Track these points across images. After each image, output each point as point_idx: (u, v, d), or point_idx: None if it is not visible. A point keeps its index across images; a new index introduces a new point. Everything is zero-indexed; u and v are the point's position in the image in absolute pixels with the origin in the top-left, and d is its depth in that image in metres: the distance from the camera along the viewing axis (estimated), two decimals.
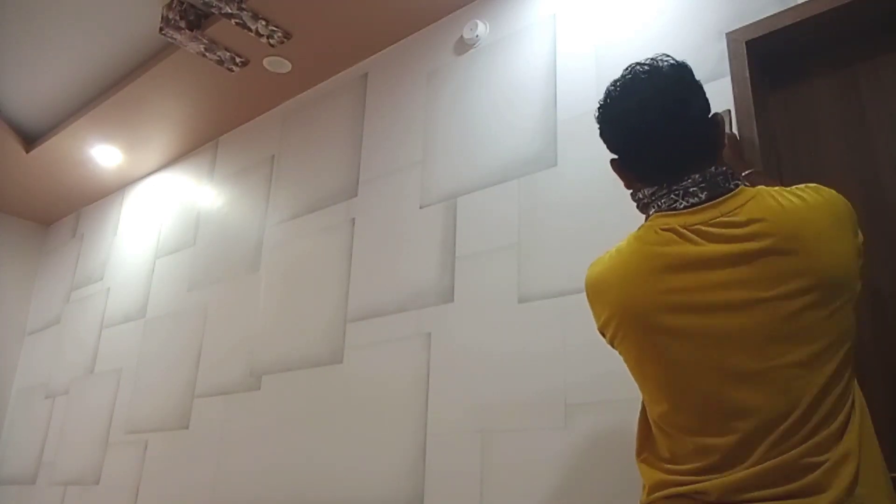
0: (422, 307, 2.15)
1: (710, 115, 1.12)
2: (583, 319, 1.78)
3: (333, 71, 2.84)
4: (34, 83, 3.19)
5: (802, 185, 1.05)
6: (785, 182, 1.67)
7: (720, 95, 1.71)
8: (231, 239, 3.02)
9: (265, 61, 2.76)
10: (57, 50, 2.94)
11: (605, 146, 1.65)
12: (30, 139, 3.60)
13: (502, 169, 2.11)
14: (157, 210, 3.57)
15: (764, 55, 1.73)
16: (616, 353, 1.68)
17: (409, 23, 2.55)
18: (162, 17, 2.55)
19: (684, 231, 1.04)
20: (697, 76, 1.80)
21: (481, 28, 2.34)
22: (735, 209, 1.02)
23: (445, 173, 2.27)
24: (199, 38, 2.58)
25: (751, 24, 1.71)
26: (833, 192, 1.05)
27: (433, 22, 2.54)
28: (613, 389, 1.67)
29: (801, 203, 1.01)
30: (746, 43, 1.70)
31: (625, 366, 1.69)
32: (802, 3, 1.64)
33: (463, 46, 2.40)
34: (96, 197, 4.10)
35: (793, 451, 0.94)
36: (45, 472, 3.58)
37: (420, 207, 2.29)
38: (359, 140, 2.63)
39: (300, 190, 2.79)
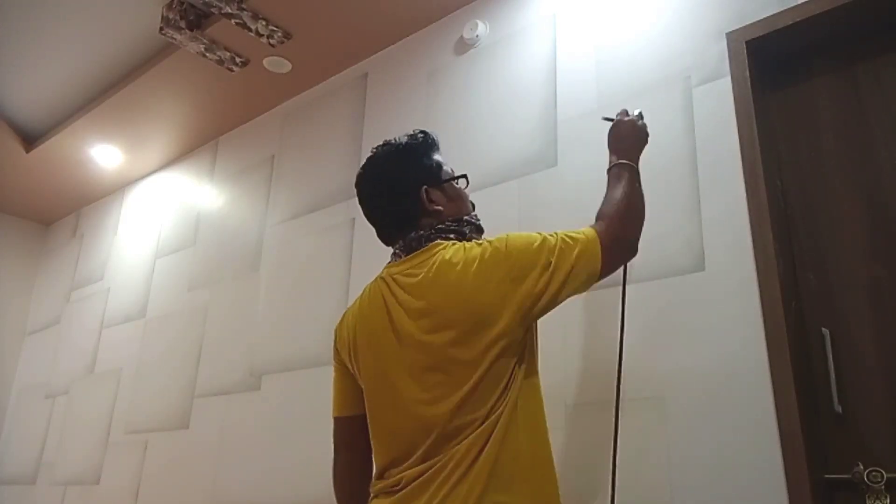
0: None
1: (417, 190, 1.35)
2: (583, 319, 1.78)
3: (333, 71, 2.84)
4: (34, 83, 3.19)
5: (496, 238, 1.27)
6: (786, 183, 1.67)
7: (720, 95, 1.71)
8: (231, 239, 3.02)
9: (265, 61, 2.76)
10: (57, 50, 2.94)
11: (605, 146, 1.66)
12: (30, 139, 3.60)
13: (502, 169, 2.11)
14: (157, 210, 3.57)
15: (764, 55, 1.73)
16: (616, 353, 1.68)
17: (409, 23, 2.55)
18: (162, 17, 2.55)
19: (388, 279, 1.32)
20: (697, 76, 1.81)
21: (481, 28, 2.33)
22: (419, 263, 1.28)
23: None
24: (199, 38, 2.58)
25: (751, 24, 1.71)
26: (510, 241, 1.25)
27: (433, 22, 2.54)
28: (614, 389, 1.67)
29: (462, 257, 1.23)
30: (746, 43, 1.70)
31: (625, 366, 1.69)
32: (802, 3, 1.64)
33: (463, 46, 2.40)
34: (96, 197, 4.10)
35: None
36: (45, 472, 3.57)
37: None
38: (359, 140, 2.63)
39: (300, 190, 2.79)
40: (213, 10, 2.47)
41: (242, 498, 2.48)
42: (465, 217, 1.39)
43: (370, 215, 1.41)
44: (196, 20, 2.54)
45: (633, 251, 1.37)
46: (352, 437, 1.39)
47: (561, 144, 2.00)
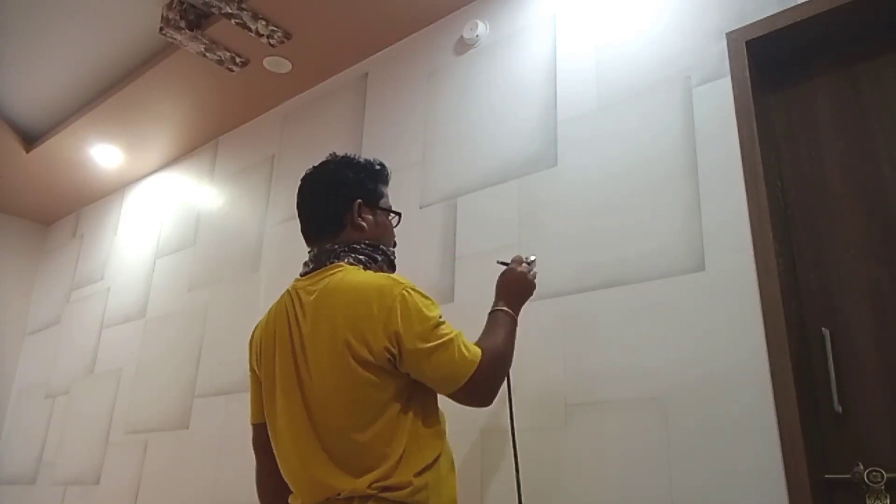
0: None
1: (352, 199, 1.40)
2: (583, 319, 1.78)
3: (333, 71, 2.84)
4: (34, 83, 3.19)
5: (384, 276, 1.31)
6: (786, 183, 1.67)
7: (720, 95, 1.71)
8: (231, 239, 3.02)
9: (265, 61, 2.76)
10: (57, 50, 2.94)
11: (605, 146, 1.65)
12: (30, 139, 3.60)
13: (502, 169, 2.11)
14: (157, 210, 3.57)
15: (764, 55, 1.73)
16: (616, 353, 1.68)
17: (409, 23, 2.55)
18: (162, 17, 2.55)
19: (293, 292, 1.38)
20: (697, 76, 1.81)
21: (481, 28, 2.33)
22: (317, 280, 1.33)
23: (445, 173, 2.27)
24: (199, 38, 2.58)
25: (751, 24, 1.71)
26: (390, 283, 1.27)
27: (433, 22, 2.54)
28: (613, 389, 1.67)
29: (351, 283, 1.27)
30: (746, 43, 1.70)
31: (625, 366, 1.70)
32: (802, 3, 1.64)
33: (463, 46, 2.40)
34: (96, 197, 4.10)
35: None
36: (45, 472, 3.57)
37: (420, 207, 2.29)
38: (359, 140, 2.63)
39: None
40: (213, 10, 2.47)
41: (242, 498, 2.48)
42: (382, 246, 1.42)
43: (300, 207, 1.48)
44: (196, 20, 2.54)
45: (490, 396, 1.34)
46: (267, 442, 1.45)
47: (561, 144, 2.00)
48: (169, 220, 3.46)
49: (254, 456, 1.48)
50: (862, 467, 1.39)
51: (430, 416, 1.29)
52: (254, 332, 1.49)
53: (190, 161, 3.50)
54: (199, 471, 2.68)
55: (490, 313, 1.46)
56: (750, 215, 1.57)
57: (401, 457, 1.20)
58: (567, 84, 2.05)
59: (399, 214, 1.50)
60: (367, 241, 1.39)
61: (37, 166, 3.72)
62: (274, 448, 1.38)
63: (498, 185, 2.10)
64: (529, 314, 1.88)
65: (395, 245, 1.49)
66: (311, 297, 1.31)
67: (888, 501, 1.35)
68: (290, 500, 1.34)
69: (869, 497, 1.37)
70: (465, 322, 2.03)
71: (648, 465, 1.56)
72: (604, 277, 1.78)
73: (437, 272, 2.15)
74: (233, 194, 3.13)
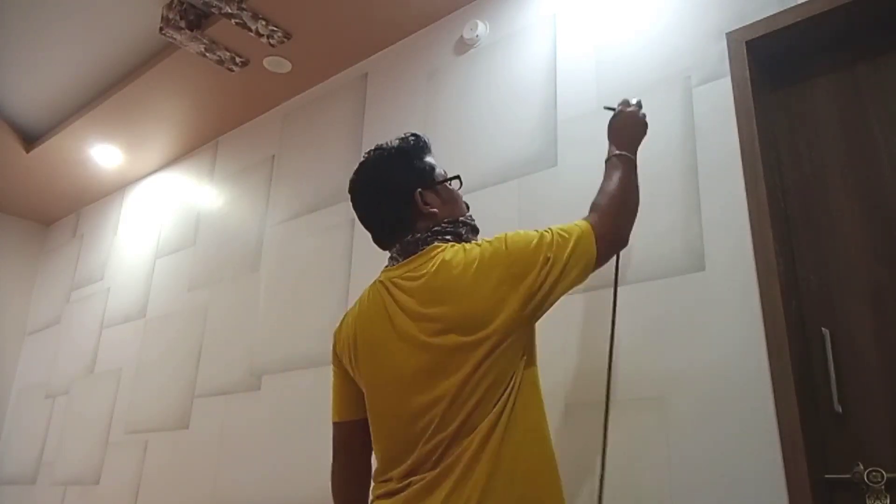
0: None
1: (411, 193, 1.35)
2: (583, 319, 1.78)
3: (333, 71, 2.84)
4: (34, 83, 3.19)
5: (494, 238, 1.27)
6: (786, 183, 1.67)
7: (720, 95, 1.71)
8: (231, 239, 3.02)
9: (265, 61, 2.76)
10: (57, 50, 2.94)
11: (605, 146, 1.65)
12: (30, 139, 3.60)
13: (502, 169, 2.11)
14: (157, 210, 3.57)
15: (764, 55, 1.73)
16: (617, 353, 1.68)
17: (409, 23, 2.55)
18: (162, 17, 2.55)
19: (387, 283, 1.32)
20: (697, 76, 1.81)
21: (481, 28, 2.33)
22: (418, 266, 1.27)
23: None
24: (199, 38, 2.58)
25: (751, 24, 1.71)
26: (509, 240, 1.24)
27: (433, 22, 2.54)
28: (613, 389, 1.67)
29: (462, 259, 1.23)
30: (746, 43, 1.70)
31: (624, 366, 1.70)
32: (802, 3, 1.64)
33: (463, 46, 2.40)
34: (96, 197, 4.10)
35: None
36: (45, 472, 3.57)
37: None
38: (359, 140, 2.63)
39: (300, 190, 2.79)
40: (213, 10, 2.47)
41: (242, 498, 2.48)
42: (461, 218, 1.39)
43: (365, 220, 1.41)
44: (196, 20, 2.54)
45: (624, 242, 1.38)
46: (351, 441, 1.39)
47: (561, 144, 2.00)
48: (169, 220, 3.46)
49: (332, 455, 1.42)
50: (862, 467, 1.39)
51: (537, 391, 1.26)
52: (340, 329, 1.42)
53: (190, 161, 3.50)
54: (199, 471, 2.68)
55: (606, 161, 1.45)
56: (750, 215, 1.57)
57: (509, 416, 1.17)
58: (567, 84, 2.05)
59: (457, 177, 1.44)
60: (445, 221, 1.35)
61: (37, 166, 3.72)
62: (382, 440, 1.30)
63: (498, 185, 2.10)
64: None
65: (468, 208, 1.45)
66: (417, 283, 1.25)
67: (888, 501, 1.35)
68: (372, 489, 1.28)
69: (869, 497, 1.37)
70: None
71: (648, 465, 1.56)
72: (604, 277, 1.77)
73: None
74: (233, 194, 3.13)
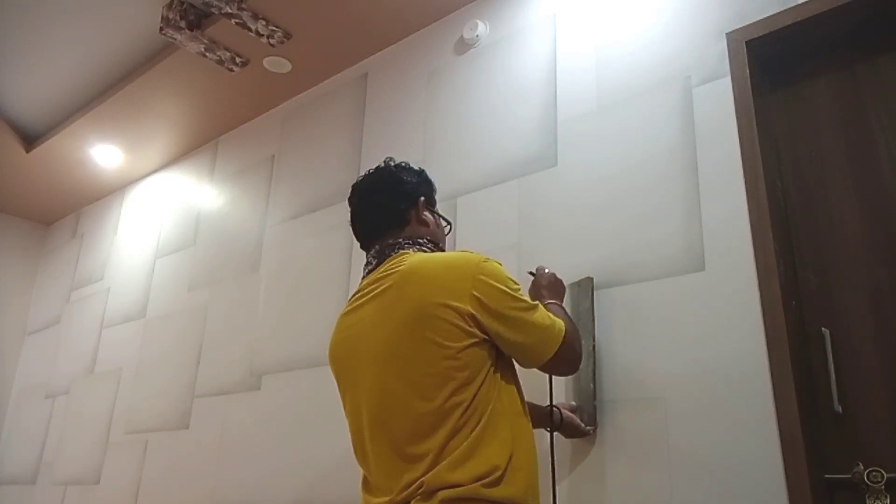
0: None
1: (417, 197, 1.44)
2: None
3: (333, 71, 2.84)
4: (34, 83, 3.19)
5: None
6: (786, 183, 1.67)
7: (720, 95, 1.71)
8: (231, 239, 3.02)
9: (265, 61, 2.76)
10: (57, 50, 2.94)
11: (605, 146, 1.65)
12: (30, 139, 3.60)
13: (502, 169, 2.11)
14: (157, 210, 3.57)
15: (764, 55, 1.73)
16: (617, 353, 1.68)
17: (409, 23, 2.55)
18: (162, 17, 2.55)
19: (365, 289, 1.36)
20: (697, 76, 1.81)
21: (481, 28, 2.33)
22: (387, 269, 1.31)
23: (445, 173, 2.27)
24: (199, 38, 2.58)
25: (751, 24, 1.71)
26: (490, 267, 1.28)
27: (433, 22, 2.54)
28: (613, 389, 1.67)
29: (427, 260, 1.29)
30: (746, 43, 1.70)
31: (625, 366, 1.70)
32: (802, 3, 1.64)
33: (463, 46, 2.40)
34: (96, 197, 4.10)
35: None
36: (45, 472, 3.57)
37: None
38: (359, 140, 2.63)
39: (300, 190, 2.79)
40: (213, 10, 2.47)
41: (242, 498, 2.48)
42: (442, 245, 1.46)
43: (358, 208, 1.46)
44: (196, 20, 2.54)
45: (579, 360, 1.41)
46: None
47: (561, 144, 2.00)
48: (169, 220, 3.46)
49: None
50: (862, 467, 1.39)
51: (513, 394, 1.27)
52: (332, 337, 1.46)
53: (190, 161, 3.50)
54: (199, 471, 2.68)
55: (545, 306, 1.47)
56: (750, 215, 1.57)
57: (477, 436, 1.16)
58: (567, 84, 2.05)
59: (450, 223, 1.55)
60: (429, 237, 1.41)
61: (37, 166, 3.72)
62: (355, 449, 1.34)
63: (498, 185, 2.10)
64: None
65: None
66: (387, 285, 1.29)
67: (888, 501, 1.35)
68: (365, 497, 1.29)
69: (869, 497, 1.37)
70: None
71: (648, 465, 1.56)
72: (604, 277, 1.78)
73: None
74: (233, 194, 3.13)
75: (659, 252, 1.70)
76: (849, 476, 1.40)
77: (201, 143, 3.43)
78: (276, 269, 2.74)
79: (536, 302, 1.31)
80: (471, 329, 1.20)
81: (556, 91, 2.07)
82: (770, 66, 1.75)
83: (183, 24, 2.51)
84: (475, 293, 1.21)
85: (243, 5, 2.43)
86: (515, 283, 1.29)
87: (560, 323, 1.32)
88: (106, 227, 3.94)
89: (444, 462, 1.13)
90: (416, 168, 1.51)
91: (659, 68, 1.86)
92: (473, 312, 1.20)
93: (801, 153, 1.68)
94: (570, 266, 1.84)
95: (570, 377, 1.69)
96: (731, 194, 1.62)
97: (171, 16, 2.51)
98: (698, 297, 1.61)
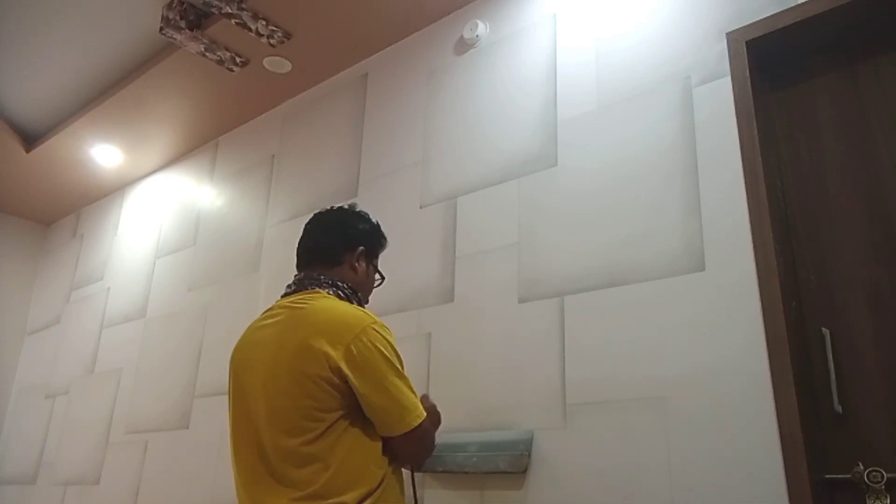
0: (422, 307, 2.15)
1: (356, 244, 1.52)
2: (583, 319, 1.78)
3: (333, 71, 2.84)
4: (34, 83, 3.19)
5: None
6: (786, 183, 1.68)
7: (720, 95, 1.71)
8: (231, 239, 3.02)
9: (265, 61, 2.76)
10: (57, 50, 2.94)
11: (605, 146, 1.65)
12: (30, 139, 3.60)
13: (502, 169, 2.11)
14: (157, 210, 3.57)
15: (764, 55, 1.73)
16: (617, 353, 1.68)
17: (409, 23, 2.55)
18: (162, 17, 2.55)
19: (277, 308, 1.44)
20: (697, 76, 1.82)
21: (481, 28, 2.33)
22: (292, 301, 1.41)
23: (445, 173, 2.27)
24: (199, 38, 2.58)
25: (751, 24, 1.71)
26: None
27: (433, 22, 2.54)
28: (613, 389, 1.67)
29: (322, 309, 1.36)
30: (746, 43, 1.70)
31: (625, 366, 1.70)
32: (802, 3, 1.64)
33: (463, 46, 2.40)
34: (96, 197, 4.10)
35: None
36: (45, 472, 3.57)
37: (420, 207, 2.29)
38: (359, 140, 2.63)
39: (300, 190, 2.79)
40: (213, 10, 2.47)
41: None
42: (360, 294, 1.52)
43: (306, 233, 1.56)
44: (196, 20, 2.54)
45: (428, 454, 1.45)
46: None
47: (561, 144, 2.00)
48: (169, 220, 3.46)
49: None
50: (862, 467, 1.39)
51: (376, 437, 1.33)
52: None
53: (190, 161, 3.50)
54: (199, 471, 2.68)
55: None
56: (750, 215, 1.57)
57: (341, 474, 1.25)
58: (567, 84, 2.05)
59: (384, 279, 1.61)
60: (350, 284, 1.48)
61: (37, 166, 3.73)
62: (233, 466, 1.41)
63: (498, 185, 2.10)
64: (530, 314, 1.89)
65: (367, 303, 1.57)
66: (281, 318, 1.38)
67: (888, 501, 1.35)
68: None
69: (869, 497, 1.37)
70: (464, 321, 2.04)
71: (648, 465, 1.56)
72: (604, 277, 1.78)
73: (438, 272, 2.15)
74: (233, 194, 3.13)
75: (659, 252, 1.70)
76: (849, 476, 1.40)
77: (201, 143, 3.43)
78: (276, 269, 2.74)
79: (408, 379, 1.35)
80: (336, 382, 1.26)
81: (556, 91, 2.07)
82: (770, 66, 1.75)
83: (183, 24, 2.51)
84: (352, 347, 1.28)
85: (243, 5, 2.43)
86: (398, 356, 1.34)
87: (423, 410, 1.36)
88: (106, 227, 3.94)
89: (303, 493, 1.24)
90: (373, 220, 1.60)
91: (659, 68, 1.86)
92: (341, 366, 1.26)
93: (801, 153, 1.68)
94: (571, 266, 1.84)
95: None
96: (731, 194, 1.62)
97: (171, 16, 2.51)
98: (698, 297, 1.61)
